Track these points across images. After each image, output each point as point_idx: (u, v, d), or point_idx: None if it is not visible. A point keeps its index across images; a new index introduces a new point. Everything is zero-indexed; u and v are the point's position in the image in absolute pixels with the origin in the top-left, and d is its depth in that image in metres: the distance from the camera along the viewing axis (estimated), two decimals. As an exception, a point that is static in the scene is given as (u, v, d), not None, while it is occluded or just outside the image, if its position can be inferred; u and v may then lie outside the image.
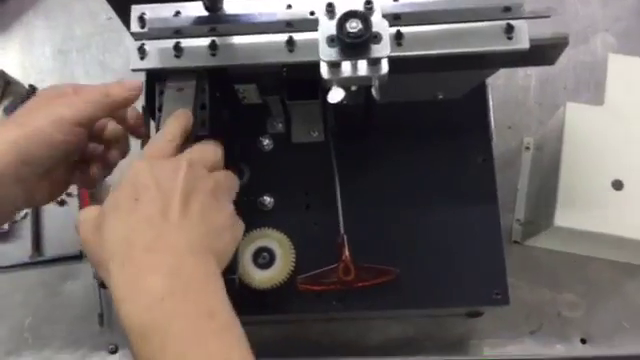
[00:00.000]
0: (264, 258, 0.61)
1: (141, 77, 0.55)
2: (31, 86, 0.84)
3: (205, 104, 0.55)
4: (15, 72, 0.85)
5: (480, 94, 0.66)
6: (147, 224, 0.44)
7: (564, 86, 0.83)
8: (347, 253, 0.61)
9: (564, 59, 0.82)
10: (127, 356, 0.75)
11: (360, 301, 0.62)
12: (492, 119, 0.71)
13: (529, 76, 0.83)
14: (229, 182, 0.52)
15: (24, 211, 0.79)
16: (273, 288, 0.60)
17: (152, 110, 0.56)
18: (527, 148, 0.80)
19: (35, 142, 0.50)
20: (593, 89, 0.81)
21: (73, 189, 0.79)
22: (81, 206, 0.78)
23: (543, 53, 0.54)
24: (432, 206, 0.64)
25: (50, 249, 0.79)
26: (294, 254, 0.61)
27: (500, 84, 0.83)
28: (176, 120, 0.51)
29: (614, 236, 0.65)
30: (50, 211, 0.80)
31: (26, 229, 0.79)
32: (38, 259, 0.78)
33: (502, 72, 0.81)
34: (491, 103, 0.72)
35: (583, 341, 0.75)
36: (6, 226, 0.79)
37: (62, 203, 0.79)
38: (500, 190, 0.73)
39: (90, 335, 0.76)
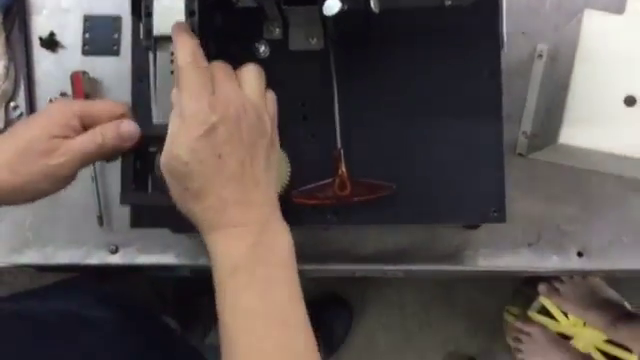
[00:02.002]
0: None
1: None
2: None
3: (194, 10, 0.52)
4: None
5: (490, 1, 0.62)
6: (233, 182, 0.49)
7: (585, -11, 0.77)
8: (343, 168, 0.60)
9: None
10: (127, 256, 0.77)
11: (355, 215, 0.61)
12: (504, 25, 0.66)
13: (548, -23, 0.77)
14: (274, 110, 0.55)
15: (18, 111, 0.77)
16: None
17: (139, 14, 0.53)
18: (540, 56, 0.76)
19: (26, 191, 0.53)
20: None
21: (67, 88, 0.76)
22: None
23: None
24: (433, 120, 0.62)
25: (47, 150, 0.78)
26: (289, 167, 0.60)
27: (517, -15, 0.77)
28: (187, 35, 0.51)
29: (621, 155, 0.63)
30: (45, 111, 0.78)
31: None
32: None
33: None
34: (504, 7, 0.67)
35: (580, 254, 0.75)
36: (1, 125, 0.77)
37: (57, 103, 0.77)
38: (508, 101, 0.71)
39: (90, 235, 0.77)
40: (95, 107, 0.55)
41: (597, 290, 1.35)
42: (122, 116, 0.55)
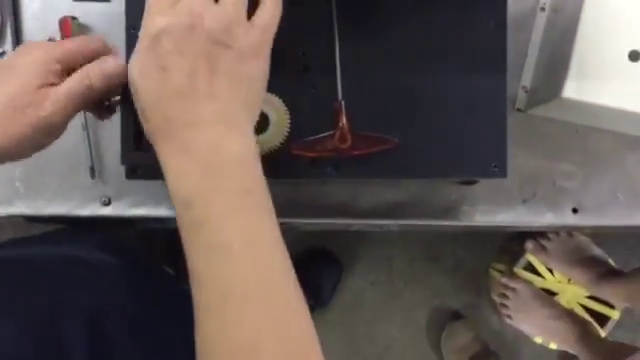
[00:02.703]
0: (258, 123, 0.58)
1: None
2: None
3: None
4: None
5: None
6: (180, 98, 0.44)
7: (591, -61, 0.75)
8: (344, 120, 0.59)
9: None
10: (120, 208, 0.76)
11: (355, 168, 0.60)
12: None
13: None
14: (265, 22, 0.48)
15: (4, 57, 0.75)
16: (266, 153, 0.58)
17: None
18: (542, 9, 0.74)
19: (20, 147, 0.49)
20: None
21: (56, 34, 0.74)
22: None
23: None
24: (437, 72, 0.60)
25: (36, 99, 0.76)
26: (289, 119, 0.59)
27: None
28: None
29: (625, 111, 0.62)
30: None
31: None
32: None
33: None
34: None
35: (575, 210, 0.75)
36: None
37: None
38: (509, 55, 0.69)
39: (82, 187, 0.76)
40: (73, 46, 0.50)
41: (583, 248, 1.37)
42: (104, 52, 0.51)
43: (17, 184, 0.76)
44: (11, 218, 0.77)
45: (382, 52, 0.61)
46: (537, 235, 1.41)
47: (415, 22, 0.61)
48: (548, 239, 1.39)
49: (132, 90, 0.46)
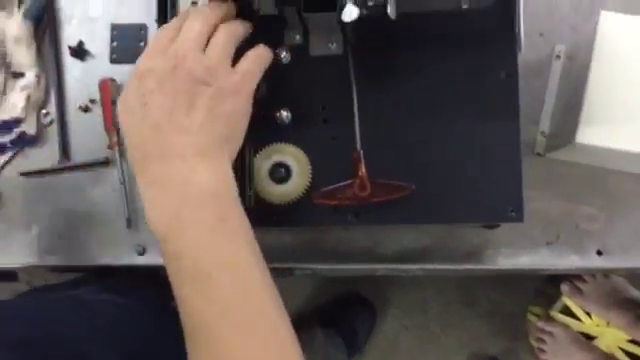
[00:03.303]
0: (281, 173, 0.61)
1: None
2: (49, -12, 0.83)
3: (218, 20, 0.54)
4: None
5: (508, 3, 0.63)
6: (157, 132, 0.47)
7: (603, -11, 0.78)
8: (363, 169, 0.61)
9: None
10: (154, 257, 0.79)
11: (375, 215, 0.63)
12: (522, 26, 0.67)
13: (566, -22, 0.78)
14: (249, 67, 0.52)
15: (49, 117, 0.80)
16: (290, 202, 0.61)
17: (164, 22, 0.55)
18: (558, 57, 0.76)
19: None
20: (636, -6, 0.76)
21: (96, 95, 0.79)
22: (104, 112, 0.79)
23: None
24: (451, 121, 0.63)
25: (77, 155, 0.81)
26: (311, 169, 0.62)
27: (534, -13, 0.78)
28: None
29: (638, 153, 0.63)
30: (75, 117, 0.81)
31: (53, 135, 0.80)
32: (67, 164, 0.80)
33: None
34: (522, 8, 0.68)
35: (599, 253, 0.75)
36: (33, 131, 0.80)
37: (86, 110, 0.80)
38: (527, 101, 0.72)
39: (119, 237, 0.79)
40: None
41: (620, 289, 1.34)
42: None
43: (59, 236, 0.81)
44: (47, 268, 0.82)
45: (398, 102, 0.64)
46: (573, 277, 1.40)
47: (429, 74, 0.64)
48: (584, 281, 1.37)
49: (122, 126, 0.49)
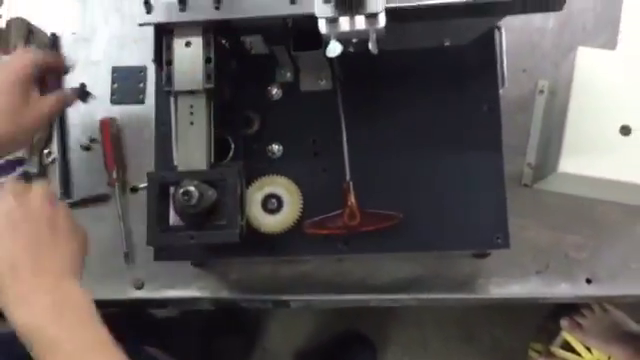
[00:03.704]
0: (273, 204, 0.64)
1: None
2: (53, 34, 0.86)
3: (210, 57, 0.57)
4: (37, 21, 0.87)
5: (488, 40, 0.66)
6: (28, 252, 0.56)
7: (583, 27, 0.81)
8: (352, 199, 0.63)
9: (584, -2, 0.80)
10: (152, 291, 0.81)
11: (365, 244, 0.65)
12: (505, 63, 0.70)
13: (547, 17, 0.81)
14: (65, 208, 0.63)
15: (51, 156, 0.83)
16: (281, 232, 0.63)
17: (160, 62, 0.58)
18: (541, 92, 0.79)
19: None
20: (612, 31, 0.79)
21: (96, 134, 0.82)
22: (104, 150, 0.81)
23: (546, -1, 0.54)
24: (437, 153, 0.65)
25: (78, 191, 0.83)
26: (302, 200, 0.64)
27: (516, 26, 0.81)
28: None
29: (620, 182, 0.65)
30: (76, 156, 0.83)
31: (54, 173, 0.83)
32: (67, 201, 0.82)
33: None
34: (505, 46, 0.72)
35: (588, 281, 0.76)
36: (35, 169, 0.83)
37: (87, 148, 0.83)
38: (513, 134, 0.74)
39: (118, 272, 0.81)
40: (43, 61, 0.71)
41: (619, 323, 1.34)
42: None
43: (59, 271, 0.82)
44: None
45: (386, 135, 0.66)
46: (572, 312, 1.39)
47: (415, 107, 0.67)
48: (583, 316, 1.36)
49: None
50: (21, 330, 0.53)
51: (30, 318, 0.54)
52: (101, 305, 0.87)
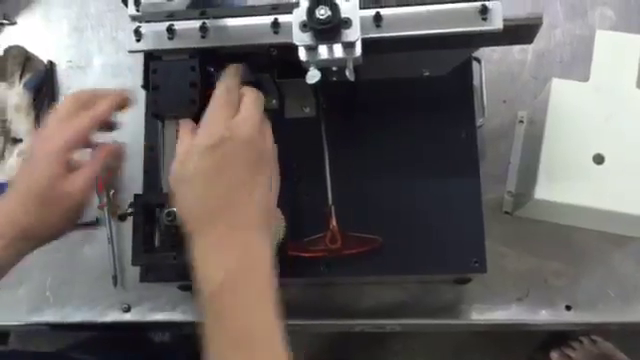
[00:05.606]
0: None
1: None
2: (50, 62, 0.89)
3: (196, 82, 0.59)
4: (34, 48, 0.90)
5: (466, 70, 0.69)
6: (228, 199, 0.50)
7: (560, 60, 0.84)
8: (334, 223, 0.65)
9: (561, 33, 0.84)
10: (139, 314, 0.81)
11: (346, 267, 0.66)
12: (485, 94, 0.73)
13: (525, 50, 0.84)
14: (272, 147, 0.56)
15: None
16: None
17: (147, 86, 0.61)
18: (520, 122, 0.82)
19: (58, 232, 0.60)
20: (586, 64, 0.82)
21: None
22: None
23: (518, 33, 0.56)
24: (416, 179, 0.67)
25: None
26: (284, 224, 0.65)
27: (496, 58, 0.84)
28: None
29: (594, 209, 0.67)
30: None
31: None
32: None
33: (498, 47, 0.83)
34: (484, 77, 0.74)
35: (568, 308, 0.78)
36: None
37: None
38: (493, 162, 0.77)
39: (105, 295, 0.82)
40: (85, 128, 0.60)
41: (608, 355, 1.34)
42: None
43: (47, 294, 0.83)
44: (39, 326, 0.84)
45: (367, 161, 0.68)
46: (562, 344, 1.39)
47: (396, 134, 0.69)
48: (573, 348, 1.37)
49: (187, 177, 0.51)
50: (201, 289, 0.49)
51: (208, 278, 0.49)
52: (88, 328, 0.89)
